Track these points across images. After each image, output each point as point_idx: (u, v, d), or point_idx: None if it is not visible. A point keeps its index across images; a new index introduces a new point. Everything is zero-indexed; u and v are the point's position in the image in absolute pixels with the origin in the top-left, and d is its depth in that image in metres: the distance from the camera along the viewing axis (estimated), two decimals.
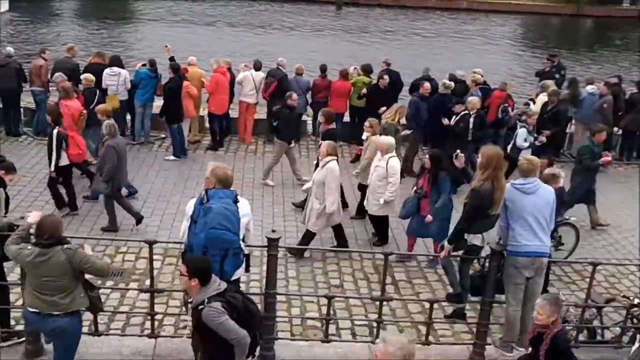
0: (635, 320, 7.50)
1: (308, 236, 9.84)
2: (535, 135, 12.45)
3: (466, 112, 12.65)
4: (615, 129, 15.40)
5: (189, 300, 5.20)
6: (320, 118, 11.93)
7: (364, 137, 11.25)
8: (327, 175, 9.47)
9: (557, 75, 16.76)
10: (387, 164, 9.81)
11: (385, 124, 11.93)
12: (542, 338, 5.52)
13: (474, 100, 13.00)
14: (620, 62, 40.20)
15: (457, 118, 12.69)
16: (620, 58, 42.95)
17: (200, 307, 4.79)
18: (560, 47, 43.75)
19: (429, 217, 9.37)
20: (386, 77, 14.43)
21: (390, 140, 10.25)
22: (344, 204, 10.92)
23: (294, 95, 12.75)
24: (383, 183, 9.82)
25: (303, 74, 15.26)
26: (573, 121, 15.33)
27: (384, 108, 13.78)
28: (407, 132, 13.00)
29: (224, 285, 4.99)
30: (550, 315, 5.46)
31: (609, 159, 11.56)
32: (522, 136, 12.23)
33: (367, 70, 15.28)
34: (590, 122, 14.47)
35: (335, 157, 9.68)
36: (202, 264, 5.09)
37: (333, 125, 11.57)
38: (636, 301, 7.23)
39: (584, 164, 11.12)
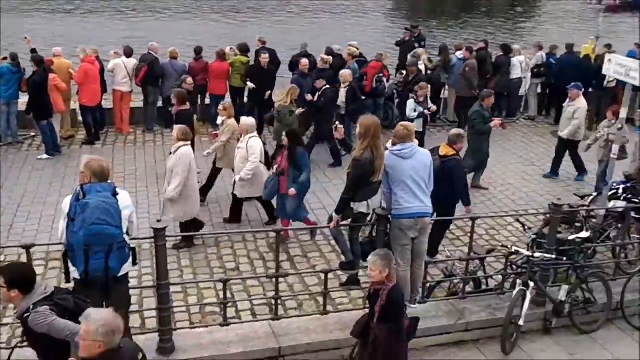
0: (514, 267, 8.00)
1: (192, 223, 9.63)
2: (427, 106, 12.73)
3: (327, 86, 12.75)
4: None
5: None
6: (172, 99, 11.25)
7: (218, 121, 10.89)
8: (177, 161, 9.09)
9: (416, 45, 17.15)
10: (247, 144, 9.73)
11: (279, 107, 11.87)
12: (378, 295, 5.70)
13: (345, 73, 13.19)
14: (486, 28, 42.10)
15: (319, 93, 12.74)
16: (486, 24, 44.97)
17: (26, 314, 4.58)
18: (431, 18, 45.33)
19: (292, 191, 9.29)
20: (266, 55, 14.35)
21: (249, 121, 10.11)
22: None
23: (189, 79, 12.44)
24: (246, 164, 9.74)
25: (178, 57, 14.92)
26: (446, 87, 15.94)
27: (269, 92, 13.92)
28: (301, 110, 12.87)
29: (51, 288, 4.77)
30: (382, 271, 5.62)
31: (499, 122, 12.10)
32: (410, 107, 12.49)
33: (243, 49, 15.15)
34: (458, 86, 15.19)
35: (188, 142, 9.28)
36: (20, 272, 4.82)
37: (186, 107, 10.96)
38: (514, 249, 7.68)
39: (476, 128, 11.65)
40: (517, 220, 9.47)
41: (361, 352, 6.21)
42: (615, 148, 9.68)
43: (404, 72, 15.20)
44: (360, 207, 7.16)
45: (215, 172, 10.99)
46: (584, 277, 7.81)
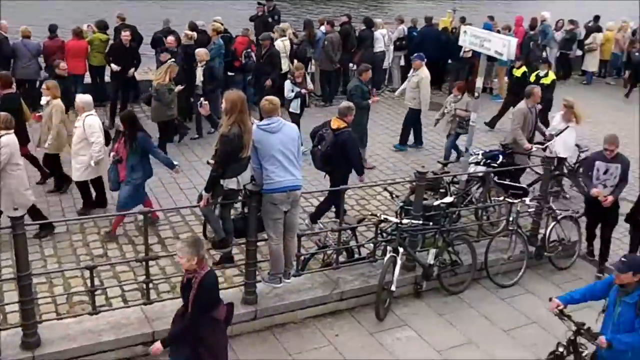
0: (384, 235, 8.22)
1: (35, 214, 8.91)
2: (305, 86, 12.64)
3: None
4: (351, 64, 16.44)
5: None
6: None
7: (43, 101, 10.07)
8: None
9: (270, 19, 17.06)
10: (83, 123, 9.22)
11: (157, 85, 11.39)
12: (191, 284, 5.30)
13: (200, 52, 12.77)
14: (350, 2, 42.68)
15: None
16: None
17: None
18: None
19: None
20: (127, 32, 13.75)
21: (85, 98, 9.47)
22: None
23: (62, 64, 11.45)
24: (83, 144, 9.24)
25: (31, 36, 13.96)
26: (312, 61, 16.03)
27: (132, 71, 13.57)
28: (180, 87, 12.32)
29: None
30: (190, 258, 5.20)
31: (376, 98, 12.28)
32: (288, 88, 12.27)
33: (102, 26, 14.46)
34: (320, 60, 15.35)
35: (10, 131, 8.43)
36: None
37: (11, 90, 10.10)
38: (383, 217, 7.88)
39: (355, 102, 11.64)
40: (386, 189, 9.71)
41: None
42: (474, 116, 10.11)
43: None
44: (230, 183, 7.04)
45: (51, 158, 10.25)
46: (449, 240, 8.16)
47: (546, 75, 13.71)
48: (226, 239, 7.75)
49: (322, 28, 15.72)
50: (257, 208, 6.88)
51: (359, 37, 16.29)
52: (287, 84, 12.43)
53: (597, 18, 20.03)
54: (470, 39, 9.56)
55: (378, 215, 8.10)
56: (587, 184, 8.89)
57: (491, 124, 14.78)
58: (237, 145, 6.76)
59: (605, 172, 8.64)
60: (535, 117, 10.80)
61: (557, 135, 10.85)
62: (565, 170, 11.27)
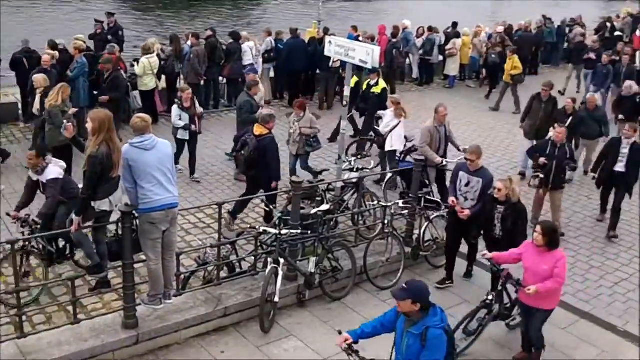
0: (264, 247, 8.22)
1: None
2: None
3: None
4: (220, 78, 16.35)
5: None
6: None
7: None
8: None
9: (110, 37, 16.37)
10: None
11: (50, 107, 10.59)
12: None
13: (38, 78, 11.71)
14: (215, 16, 42.47)
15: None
16: (215, 12, 45.27)
17: None
18: (160, 7, 44.48)
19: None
20: None
21: None
22: None
23: None
24: None
25: None
26: (181, 77, 15.76)
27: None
28: (74, 110, 11.51)
29: None
30: None
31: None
32: (175, 114, 11.70)
33: None
34: (187, 73, 15.16)
35: None
36: None
37: None
38: (262, 229, 7.88)
39: (243, 117, 11.67)
40: (262, 201, 9.72)
41: None
42: (344, 123, 10.30)
43: (135, 63, 14.78)
44: (102, 205, 6.79)
45: None
46: (329, 247, 8.29)
47: (377, 84, 13.72)
48: (101, 264, 7.45)
49: (189, 42, 15.53)
50: (132, 229, 6.68)
51: (226, 51, 16.21)
52: (175, 110, 11.76)
53: (455, 24, 21.11)
54: (336, 49, 9.76)
55: (257, 227, 8.08)
56: (450, 192, 8.90)
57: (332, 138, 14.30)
58: (107, 165, 6.54)
59: (467, 184, 8.55)
60: (445, 134, 10.89)
61: (390, 131, 11.87)
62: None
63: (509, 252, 7.24)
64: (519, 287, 6.95)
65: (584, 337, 8.03)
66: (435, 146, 10.78)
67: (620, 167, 10.61)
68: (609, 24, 25.48)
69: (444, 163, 10.86)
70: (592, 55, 18.69)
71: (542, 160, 10.38)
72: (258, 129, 9.79)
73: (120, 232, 6.95)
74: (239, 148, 10.01)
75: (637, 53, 18.84)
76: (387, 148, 12.02)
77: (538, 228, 6.77)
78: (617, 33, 24.31)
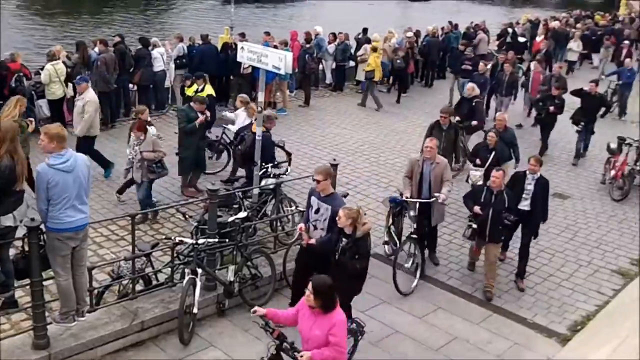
0: (181, 257, 8.03)
1: None
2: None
3: None
4: (131, 85, 15.91)
5: None
6: None
7: None
8: None
9: None
10: None
11: (6, 122, 9.74)
12: None
13: None
14: (125, 22, 41.51)
15: None
16: (124, 18, 44.25)
17: None
18: (69, 14, 43.02)
19: None
20: None
21: None
22: None
23: None
24: None
25: None
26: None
27: None
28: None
29: None
30: None
31: (204, 118, 11.50)
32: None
33: None
34: (95, 81, 14.63)
35: None
36: None
37: None
38: (178, 240, 7.69)
39: (180, 127, 11.39)
40: (178, 211, 9.52)
41: None
42: (259, 131, 10.21)
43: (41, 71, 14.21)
44: (5, 220, 6.43)
45: None
46: (248, 255, 8.19)
47: (203, 89, 13.15)
48: (6, 282, 7.06)
49: (96, 49, 15.04)
50: (39, 245, 6.35)
51: (135, 57, 15.83)
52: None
53: (365, 30, 21.41)
54: (248, 54, 9.67)
55: (172, 238, 7.88)
56: (304, 219, 7.99)
57: None
58: (10, 178, 6.20)
59: (316, 211, 7.61)
60: (428, 172, 9.36)
61: (244, 129, 11.47)
62: None
63: (287, 310, 6.15)
64: (292, 353, 5.56)
65: (497, 330, 8.31)
66: (415, 180, 9.41)
67: (525, 205, 9.50)
68: (510, 30, 26.48)
69: (405, 197, 9.40)
70: (468, 65, 18.41)
71: (476, 209, 9.06)
72: (255, 128, 10.10)
73: (26, 248, 6.62)
74: (237, 143, 10.72)
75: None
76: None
77: (309, 285, 5.43)
78: (520, 39, 25.32)
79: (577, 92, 15.35)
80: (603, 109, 16.16)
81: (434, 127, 11.88)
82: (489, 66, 18.07)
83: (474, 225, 9.15)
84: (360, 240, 6.97)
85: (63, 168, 6.13)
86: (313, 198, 7.68)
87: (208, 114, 11.75)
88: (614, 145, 13.75)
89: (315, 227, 7.63)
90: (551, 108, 14.67)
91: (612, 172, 13.34)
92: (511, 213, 9.09)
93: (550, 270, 10.09)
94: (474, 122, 13.69)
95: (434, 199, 9.22)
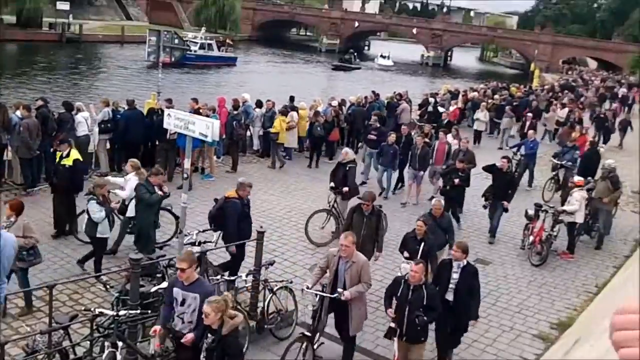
0: (101, 330, 7.74)
1: None
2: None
3: None
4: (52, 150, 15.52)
5: None
6: None
7: None
8: None
9: None
10: None
11: None
12: None
13: None
14: (48, 84, 40.92)
15: None
16: (45, 79, 43.62)
17: None
18: None
19: None
20: None
21: None
22: None
23: None
24: None
25: None
26: (9, 148, 14.79)
27: None
28: None
29: None
30: None
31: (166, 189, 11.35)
32: (96, 209, 10.54)
33: None
34: (17, 147, 14.22)
35: None
36: None
37: None
38: (97, 311, 7.43)
39: (143, 200, 10.79)
40: (99, 280, 9.22)
41: None
42: (185, 197, 10.13)
43: None
44: None
45: None
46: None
47: (68, 155, 12.50)
48: None
49: (18, 113, 14.66)
50: None
51: (58, 120, 15.50)
52: (93, 205, 10.47)
53: (292, 98, 21.81)
54: (175, 121, 9.66)
55: (92, 309, 7.60)
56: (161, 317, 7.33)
57: None
58: None
59: (182, 303, 6.94)
60: (343, 270, 8.27)
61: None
62: None
63: None
64: None
65: None
66: (330, 276, 8.39)
67: (450, 295, 8.77)
68: (432, 99, 27.52)
69: (306, 287, 8.55)
70: (373, 135, 18.35)
71: (389, 311, 8.23)
72: (230, 193, 10.49)
73: None
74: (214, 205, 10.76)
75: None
76: (130, 214, 11.47)
77: None
78: (440, 108, 26.33)
79: (488, 168, 15.23)
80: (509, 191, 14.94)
81: (355, 211, 11.12)
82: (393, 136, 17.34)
83: (392, 324, 8.23)
84: (228, 337, 6.20)
85: None
86: (176, 289, 6.92)
87: (166, 189, 11.38)
88: (531, 212, 14.27)
89: (183, 321, 6.92)
90: (456, 181, 14.74)
91: (531, 238, 13.81)
92: (428, 312, 8.02)
93: (474, 336, 10.19)
94: (345, 189, 13.55)
95: (336, 294, 8.11)
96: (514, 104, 28.67)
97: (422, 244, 10.00)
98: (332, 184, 13.80)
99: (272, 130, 19.17)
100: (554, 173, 18.83)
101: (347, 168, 13.79)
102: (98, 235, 10.68)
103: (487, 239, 14.79)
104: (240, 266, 10.36)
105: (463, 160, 15.46)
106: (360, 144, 22.20)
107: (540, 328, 10.81)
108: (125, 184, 11.98)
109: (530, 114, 25.17)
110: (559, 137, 24.53)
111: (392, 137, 17.00)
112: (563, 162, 18.41)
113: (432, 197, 16.31)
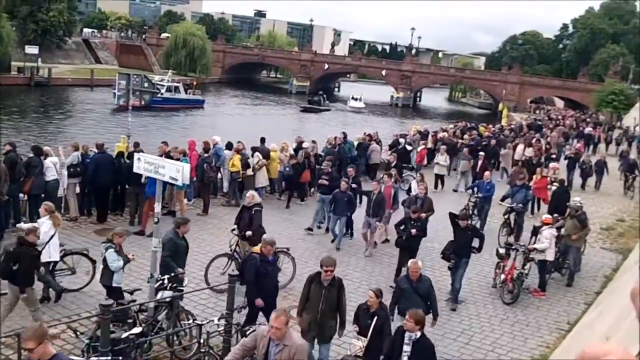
0: None
1: None
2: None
3: None
4: (21, 194, 15.33)
5: None
6: None
7: None
8: None
9: None
10: None
11: None
12: None
13: None
14: (17, 128, 40.58)
15: None
16: (14, 123, 43.27)
17: None
18: None
19: None
20: None
21: None
22: None
23: None
24: None
25: None
26: None
27: None
28: None
29: None
30: None
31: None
32: (113, 258, 10.48)
33: None
34: None
35: None
36: None
37: None
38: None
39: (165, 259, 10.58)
40: (69, 327, 9.06)
41: None
42: (155, 241, 10.05)
43: None
44: None
45: None
46: None
47: None
48: None
49: None
50: None
51: (26, 165, 15.34)
52: (112, 254, 10.42)
53: (262, 140, 21.93)
54: (145, 165, 9.63)
55: None
56: None
57: None
58: None
59: None
60: (274, 354, 6.75)
61: (49, 240, 11.10)
62: None
63: None
64: None
65: None
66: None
67: None
68: (402, 140, 27.85)
69: None
70: (324, 180, 17.77)
71: None
72: (255, 249, 10.51)
73: None
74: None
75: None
76: (45, 259, 11.06)
77: None
78: (408, 147, 26.66)
79: (452, 220, 13.92)
80: (477, 241, 13.51)
81: (313, 282, 9.39)
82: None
83: None
84: None
85: None
86: None
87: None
88: (502, 251, 14.41)
89: None
90: (413, 231, 13.57)
91: (502, 277, 13.89)
92: None
93: None
94: (249, 233, 13.18)
95: None
96: (483, 143, 29.05)
97: (375, 317, 8.93)
98: (235, 227, 13.44)
99: (231, 169, 19.19)
100: (505, 217, 18.24)
101: (253, 212, 13.48)
102: (114, 285, 10.48)
103: (448, 304, 13.12)
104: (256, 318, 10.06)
105: (417, 210, 14.31)
106: (312, 190, 21.94)
107: None
108: (39, 228, 11.13)
109: (482, 153, 24.69)
110: (510, 177, 23.52)
111: (344, 184, 16.19)
112: (513, 205, 17.99)
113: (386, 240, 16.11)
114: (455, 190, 24.71)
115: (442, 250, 13.54)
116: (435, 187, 24.25)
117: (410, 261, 10.64)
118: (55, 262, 11.72)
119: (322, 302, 9.16)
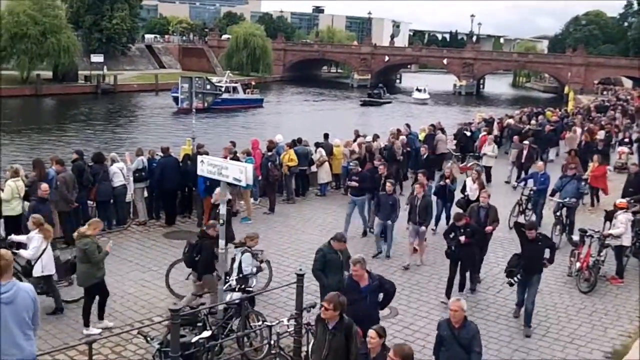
0: None
1: None
2: None
3: None
4: (90, 202, 15.63)
5: None
6: None
7: None
8: None
9: None
10: None
11: (82, 242, 9.95)
12: None
13: None
14: (85, 136, 41.71)
15: None
16: (82, 131, 44.50)
17: None
18: (28, 127, 43.12)
19: None
20: None
21: None
22: None
23: None
24: None
25: None
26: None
27: None
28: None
29: None
30: None
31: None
32: (249, 262, 10.70)
33: None
34: (55, 201, 14.30)
35: None
36: None
37: None
38: None
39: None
40: (140, 333, 9.09)
41: None
42: (222, 243, 10.01)
43: None
44: None
45: None
46: None
47: None
48: None
49: (55, 167, 14.82)
50: None
51: (93, 172, 15.59)
52: (248, 258, 10.66)
53: (326, 136, 21.80)
54: (208, 167, 9.61)
55: None
56: None
57: None
58: None
59: None
60: None
61: (41, 254, 10.66)
62: None
63: None
64: None
65: None
66: None
67: None
68: (467, 132, 27.12)
69: None
70: (354, 181, 15.99)
71: None
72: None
73: None
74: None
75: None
76: (37, 274, 10.64)
77: None
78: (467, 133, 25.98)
79: (517, 230, 12.47)
80: (547, 251, 11.63)
81: (318, 324, 7.70)
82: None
83: None
84: None
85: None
86: None
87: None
88: (576, 238, 13.82)
89: None
90: (462, 238, 12.08)
91: (578, 265, 13.35)
92: None
93: None
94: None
95: None
96: (551, 128, 28.07)
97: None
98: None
99: (288, 163, 19.09)
100: (557, 214, 16.20)
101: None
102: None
103: (521, 329, 11.26)
104: None
105: (459, 217, 12.46)
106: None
107: (594, 358, 10.34)
108: (29, 243, 10.85)
109: (526, 142, 22.86)
110: (563, 167, 19.40)
111: (389, 187, 14.51)
112: (565, 201, 16.18)
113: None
114: (507, 182, 22.41)
115: (507, 267, 11.59)
116: (488, 182, 21.24)
117: (451, 300, 8.24)
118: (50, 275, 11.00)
119: (326, 349, 7.41)
